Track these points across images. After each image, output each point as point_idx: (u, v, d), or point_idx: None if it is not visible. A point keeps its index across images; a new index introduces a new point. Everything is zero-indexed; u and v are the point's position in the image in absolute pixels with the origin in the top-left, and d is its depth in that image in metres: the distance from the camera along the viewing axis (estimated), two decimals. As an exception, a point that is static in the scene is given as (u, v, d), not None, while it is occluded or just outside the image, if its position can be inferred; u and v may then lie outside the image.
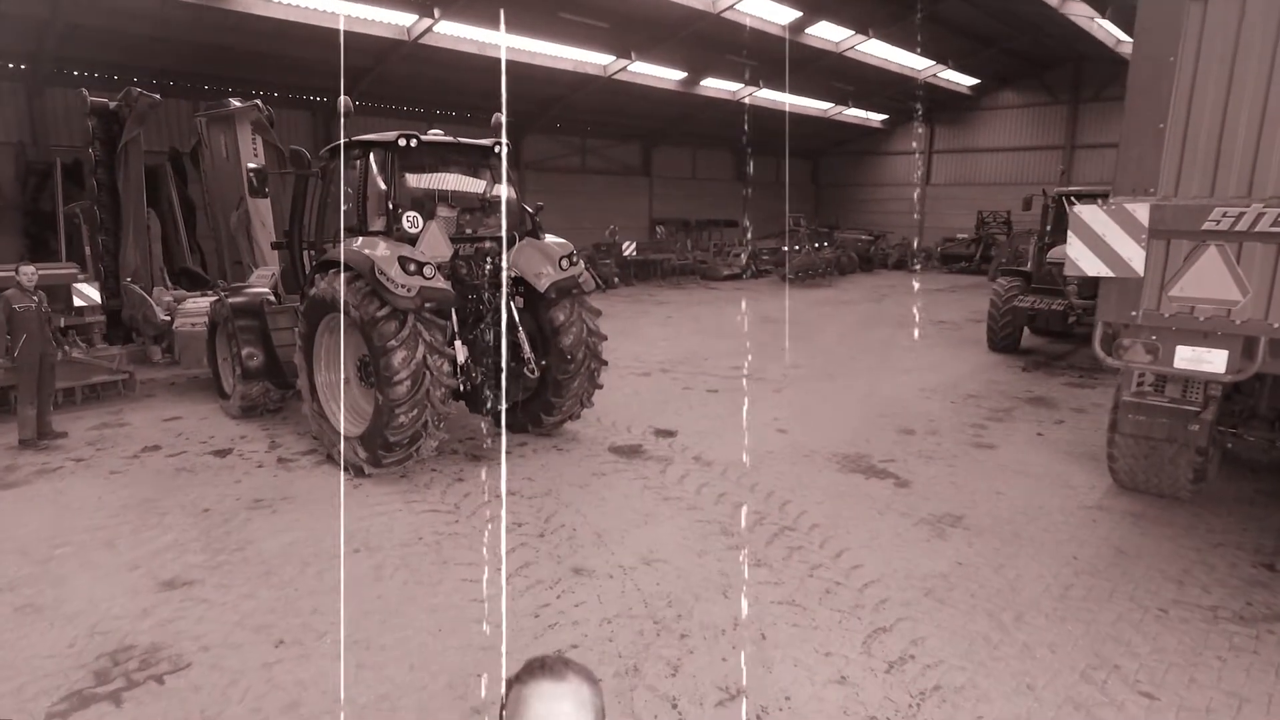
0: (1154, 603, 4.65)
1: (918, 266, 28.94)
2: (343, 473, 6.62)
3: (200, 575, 4.93)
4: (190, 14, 14.29)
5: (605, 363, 7.71)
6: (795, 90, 23.94)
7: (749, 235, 27.56)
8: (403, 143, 6.75)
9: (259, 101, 10.99)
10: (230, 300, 8.59)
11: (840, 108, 29.77)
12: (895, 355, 12.70)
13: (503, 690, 1.37)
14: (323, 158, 7.52)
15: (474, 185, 7.76)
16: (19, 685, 3.78)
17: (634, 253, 24.19)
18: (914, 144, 33.26)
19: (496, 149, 7.37)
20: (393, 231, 6.63)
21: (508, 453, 7.41)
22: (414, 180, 7.35)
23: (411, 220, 6.71)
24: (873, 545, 5.39)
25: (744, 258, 25.69)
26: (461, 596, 4.66)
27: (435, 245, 6.75)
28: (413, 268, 6.22)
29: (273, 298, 8.53)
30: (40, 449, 7.41)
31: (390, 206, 6.70)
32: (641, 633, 4.26)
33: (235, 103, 10.87)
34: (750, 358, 11.90)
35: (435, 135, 7.31)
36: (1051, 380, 10.88)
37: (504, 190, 7.70)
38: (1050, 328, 12.63)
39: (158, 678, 3.86)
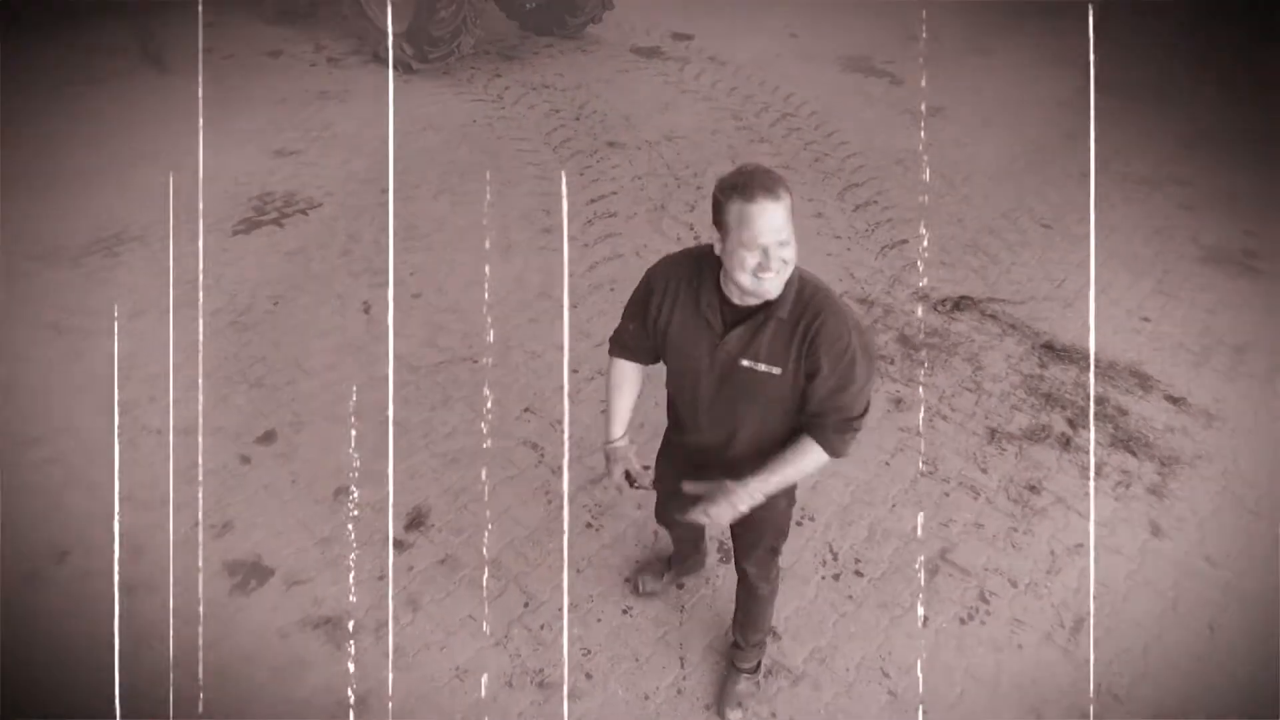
0: (1079, 170, 5.74)
1: None
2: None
3: (301, 147, 5.99)
4: None
5: (625, -39, 7.88)
6: None
7: None
8: None
9: None
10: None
11: None
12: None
13: (717, 198, 1.67)
14: None
15: None
16: (205, 211, 5.06)
17: None
18: None
19: None
20: None
21: (535, 53, 7.99)
22: None
23: None
24: (860, 128, 6.34)
25: None
26: (519, 161, 5.77)
27: None
28: None
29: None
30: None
31: None
32: (665, 185, 5.44)
33: None
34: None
35: None
36: (1070, -11, 10.81)
37: None
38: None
39: (302, 211, 5.13)
